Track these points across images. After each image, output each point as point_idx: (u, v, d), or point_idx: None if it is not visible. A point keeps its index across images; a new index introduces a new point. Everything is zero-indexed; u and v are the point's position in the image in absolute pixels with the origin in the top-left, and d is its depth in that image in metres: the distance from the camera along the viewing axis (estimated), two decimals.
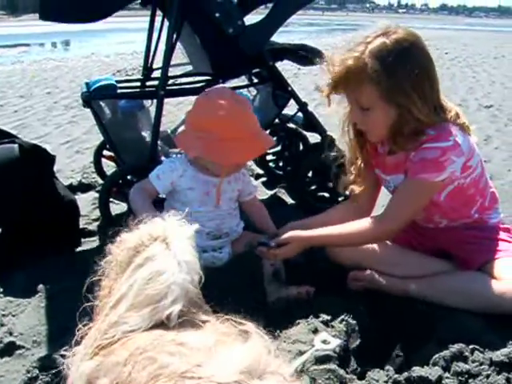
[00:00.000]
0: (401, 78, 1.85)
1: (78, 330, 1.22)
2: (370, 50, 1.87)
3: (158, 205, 2.25)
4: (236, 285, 2.01)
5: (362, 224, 2.02)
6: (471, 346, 1.65)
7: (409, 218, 2.01)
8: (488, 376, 1.55)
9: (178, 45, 2.81)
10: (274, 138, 3.42)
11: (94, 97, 2.66)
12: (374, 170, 2.22)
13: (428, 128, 1.92)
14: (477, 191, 2.06)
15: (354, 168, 2.21)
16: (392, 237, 2.10)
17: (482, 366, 1.59)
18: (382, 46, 1.87)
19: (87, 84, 2.81)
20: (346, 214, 2.27)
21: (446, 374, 1.59)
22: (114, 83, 2.80)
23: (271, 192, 3.32)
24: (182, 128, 3.07)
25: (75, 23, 2.77)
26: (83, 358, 1.08)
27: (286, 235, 2.06)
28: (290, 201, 3.15)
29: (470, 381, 1.56)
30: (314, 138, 3.24)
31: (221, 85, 2.77)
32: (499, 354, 1.59)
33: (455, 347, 1.65)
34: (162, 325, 1.06)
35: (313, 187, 3.03)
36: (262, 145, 2.24)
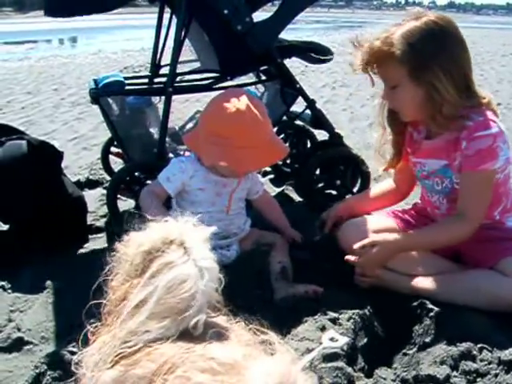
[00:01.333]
0: (427, 58, 1.89)
1: (85, 329, 1.22)
2: (400, 32, 1.91)
3: (165, 203, 2.24)
4: (243, 282, 2.00)
5: (447, 227, 2.04)
6: (479, 345, 1.65)
7: (485, 211, 2.00)
8: (496, 375, 1.55)
9: (186, 42, 2.81)
10: (282, 136, 3.43)
11: (101, 93, 2.66)
12: (410, 157, 2.24)
13: (471, 112, 1.93)
14: (505, 190, 2.06)
15: (391, 150, 2.25)
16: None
17: (491, 365, 1.58)
18: (411, 28, 1.91)
19: (95, 81, 2.81)
20: (387, 195, 2.46)
21: (454, 373, 1.58)
22: (122, 80, 2.80)
23: (279, 189, 3.31)
24: (190, 125, 3.07)
25: (77, 16, 2.76)
26: (102, 366, 1.06)
27: (367, 240, 2.07)
28: (297, 198, 3.14)
29: (478, 380, 1.56)
30: (321, 135, 3.24)
31: (230, 82, 2.78)
32: (507, 353, 1.59)
33: (463, 346, 1.65)
34: (185, 333, 1.05)
35: (320, 185, 3.03)
36: (278, 152, 2.19)
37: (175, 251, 1.12)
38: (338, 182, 2.97)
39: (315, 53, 2.93)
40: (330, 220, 2.39)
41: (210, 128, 2.07)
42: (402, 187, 2.41)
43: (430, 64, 1.88)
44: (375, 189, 2.54)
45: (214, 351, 0.96)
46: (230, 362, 0.91)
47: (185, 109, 5.34)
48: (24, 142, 2.47)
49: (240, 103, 2.02)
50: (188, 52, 3.14)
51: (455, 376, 1.57)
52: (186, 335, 1.04)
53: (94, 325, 1.23)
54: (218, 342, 1.01)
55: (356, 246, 2.07)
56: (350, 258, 2.10)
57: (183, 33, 2.61)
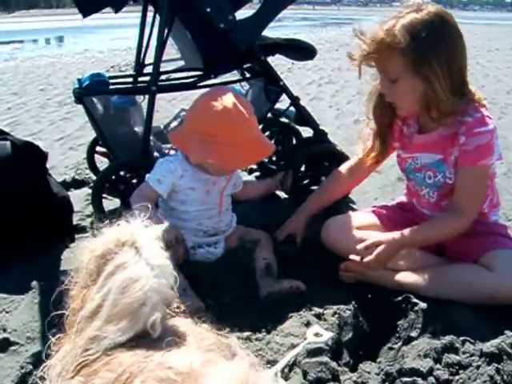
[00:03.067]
0: (428, 52, 1.88)
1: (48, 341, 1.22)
2: (401, 24, 1.90)
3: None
4: (229, 279, 2.01)
5: (446, 222, 2.03)
6: (462, 338, 1.66)
7: (480, 206, 2.04)
8: (478, 367, 1.56)
9: (171, 40, 2.81)
10: (267, 133, 3.44)
11: (85, 93, 2.66)
12: (397, 151, 2.25)
13: (468, 108, 1.94)
14: (491, 184, 2.08)
15: (372, 139, 2.25)
16: None
17: (473, 357, 1.59)
18: (412, 20, 1.90)
19: (79, 80, 2.81)
20: (341, 183, 2.49)
21: (437, 366, 1.59)
22: (106, 79, 2.80)
23: None
24: (174, 123, 3.07)
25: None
26: (64, 376, 1.05)
27: (372, 240, 2.04)
28: (282, 195, 3.15)
29: (460, 372, 1.57)
30: (307, 132, 3.25)
31: (214, 80, 2.78)
32: (489, 345, 1.60)
33: (446, 339, 1.66)
34: (144, 337, 1.04)
35: (305, 181, 3.04)
36: (264, 150, 2.20)
37: (127, 252, 1.12)
38: (323, 178, 2.98)
39: (298, 50, 2.94)
40: (283, 235, 2.35)
41: (196, 126, 2.07)
42: (368, 165, 2.37)
43: (430, 57, 1.88)
44: (335, 177, 2.50)
45: (172, 360, 0.96)
46: (186, 371, 0.91)
47: (172, 107, 5.34)
48: (8, 143, 2.45)
49: (226, 101, 2.02)
50: (172, 50, 3.14)
51: (438, 369, 1.58)
52: (146, 340, 1.03)
53: (54, 335, 1.24)
54: (177, 349, 1.01)
55: (360, 246, 2.04)
56: (355, 257, 2.07)
57: (166, 31, 2.61)
